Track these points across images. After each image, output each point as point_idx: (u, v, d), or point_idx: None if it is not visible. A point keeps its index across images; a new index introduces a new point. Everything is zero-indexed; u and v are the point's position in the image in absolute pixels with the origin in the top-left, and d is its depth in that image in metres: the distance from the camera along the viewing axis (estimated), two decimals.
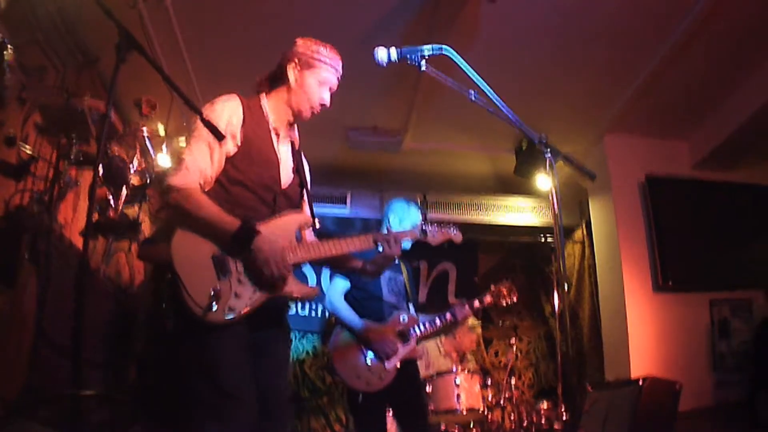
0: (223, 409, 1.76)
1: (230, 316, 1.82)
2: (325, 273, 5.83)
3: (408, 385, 3.17)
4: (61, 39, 3.76)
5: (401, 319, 3.24)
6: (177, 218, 1.91)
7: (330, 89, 2.17)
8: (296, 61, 2.12)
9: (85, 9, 3.55)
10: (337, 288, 3.25)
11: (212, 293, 1.79)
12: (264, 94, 2.17)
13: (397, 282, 3.41)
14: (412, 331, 3.23)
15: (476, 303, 3.52)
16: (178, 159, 2.00)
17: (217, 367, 1.80)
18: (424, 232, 2.48)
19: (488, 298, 3.58)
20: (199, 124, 1.89)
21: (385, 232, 2.23)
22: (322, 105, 2.15)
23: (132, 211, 4.14)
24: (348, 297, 3.24)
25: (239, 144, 2.01)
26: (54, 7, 3.58)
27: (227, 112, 2.01)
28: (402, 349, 3.16)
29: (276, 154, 2.12)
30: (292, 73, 2.12)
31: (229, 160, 1.99)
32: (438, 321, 3.37)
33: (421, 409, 3.28)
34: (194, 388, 1.82)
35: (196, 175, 1.92)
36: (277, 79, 2.17)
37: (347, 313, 3.16)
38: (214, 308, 1.78)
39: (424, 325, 3.28)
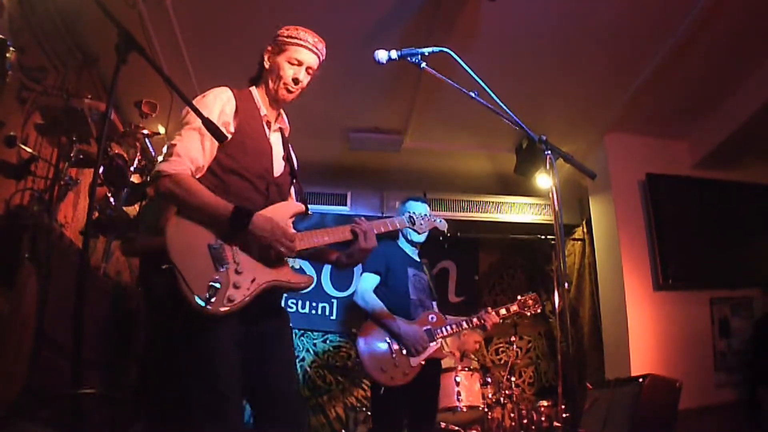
0: (219, 408, 1.75)
1: (229, 308, 1.78)
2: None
3: (428, 385, 3.23)
4: (61, 39, 3.76)
5: (430, 318, 3.30)
6: (169, 206, 1.89)
7: (308, 69, 2.12)
8: (270, 48, 2.14)
9: (85, 9, 3.55)
10: (368, 283, 3.31)
11: (211, 284, 1.76)
12: (254, 86, 2.19)
13: (421, 280, 3.46)
14: (438, 331, 3.27)
15: (503, 311, 3.58)
16: (168, 146, 1.96)
17: (212, 366, 1.78)
18: (411, 220, 2.47)
19: (515, 307, 3.63)
20: (191, 113, 1.88)
21: (362, 221, 2.19)
22: (295, 81, 2.10)
23: (132, 210, 4.14)
24: (376, 293, 3.28)
25: (232, 132, 1.99)
26: (54, 7, 3.58)
27: (219, 102, 2.00)
28: (429, 347, 3.20)
29: (269, 143, 2.12)
30: (266, 59, 2.14)
31: (221, 148, 1.98)
32: (464, 324, 3.41)
33: (434, 411, 3.34)
34: (190, 387, 1.80)
35: (187, 162, 1.90)
36: (260, 70, 2.18)
37: (379, 307, 3.20)
38: (214, 300, 1.76)
39: (450, 326, 3.33)
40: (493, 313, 3.52)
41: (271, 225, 1.90)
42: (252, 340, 1.92)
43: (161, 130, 3.98)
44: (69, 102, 3.08)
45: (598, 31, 4.04)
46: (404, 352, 3.13)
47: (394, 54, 2.22)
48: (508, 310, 3.60)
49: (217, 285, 1.77)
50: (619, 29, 4.01)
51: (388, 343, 3.15)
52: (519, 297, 3.71)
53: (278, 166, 2.14)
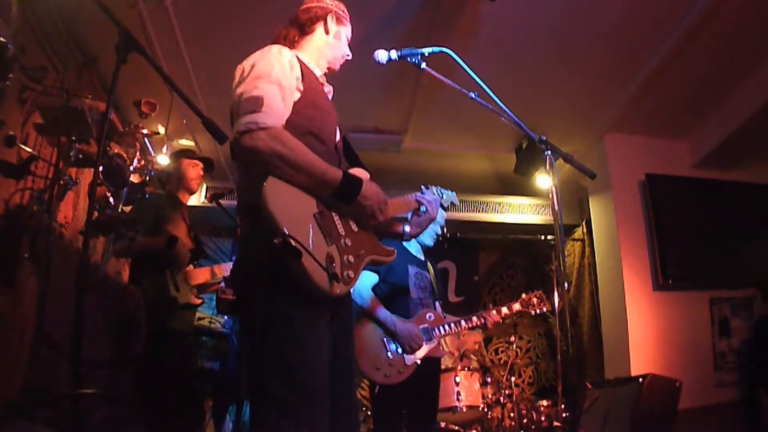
0: (305, 411, 1.50)
1: (349, 287, 1.58)
2: None
3: (426, 384, 3.20)
4: (61, 39, 3.76)
5: (428, 317, 3.26)
6: (260, 166, 1.56)
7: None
8: (332, 15, 2.04)
9: (85, 9, 3.55)
10: (365, 279, 3.27)
11: (329, 260, 1.53)
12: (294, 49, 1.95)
13: (423, 278, 3.42)
14: (436, 330, 3.24)
15: (505, 309, 3.53)
16: (247, 99, 1.61)
17: (302, 358, 1.53)
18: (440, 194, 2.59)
19: (517, 306, 3.57)
20: (258, 64, 1.68)
21: (426, 193, 2.24)
22: (347, 58, 2.09)
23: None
24: (375, 290, 3.25)
25: (301, 90, 1.78)
26: (54, 7, 3.58)
27: (285, 56, 1.77)
28: (425, 346, 3.17)
29: (330, 104, 1.96)
30: (332, 25, 2.02)
31: (295, 108, 1.74)
32: (464, 323, 3.36)
33: (433, 410, 3.30)
34: (270, 383, 1.52)
35: (280, 116, 1.62)
36: (307, 31, 2.02)
37: (375, 304, 3.16)
38: (337, 277, 1.52)
39: (449, 325, 3.28)
40: (494, 312, 3.47)
41: (376, 192, 1.76)
42: (333, 333, 1.70)
43: (161, 129, 3.99)
44: (69, 102, 3.07)
45: (597, 31, 4.04)
46: (399, 350, 3.10)
47: (394, 54, 2.21)
48: (510, 308, 3.54)
49: (333, 259, 1.56)
50: (618, 29, 4.01)
51: (383, 341, 3.12)
52: (523, 295, 3.63)
53: (337, 130, 1.98)
